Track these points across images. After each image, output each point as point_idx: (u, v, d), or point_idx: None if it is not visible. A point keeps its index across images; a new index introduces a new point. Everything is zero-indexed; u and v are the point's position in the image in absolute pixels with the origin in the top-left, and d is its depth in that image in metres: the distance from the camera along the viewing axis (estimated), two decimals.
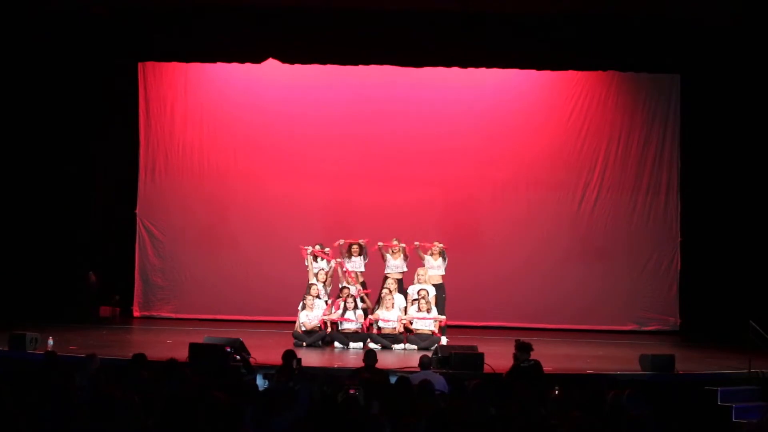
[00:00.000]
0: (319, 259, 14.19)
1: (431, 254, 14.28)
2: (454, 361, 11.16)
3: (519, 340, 10.52)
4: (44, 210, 16.04)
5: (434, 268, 14.21)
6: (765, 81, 15.25)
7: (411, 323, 13.62)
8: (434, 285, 14.08)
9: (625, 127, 16.85)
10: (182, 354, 11.21)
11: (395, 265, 14.26)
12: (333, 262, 14.13)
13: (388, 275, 14.23)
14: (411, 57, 15.45)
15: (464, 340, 12.95)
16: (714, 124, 15.94)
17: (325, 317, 13.62)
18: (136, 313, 16.77)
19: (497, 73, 16.25)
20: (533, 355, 10.39)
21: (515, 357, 10.32)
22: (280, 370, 10.50)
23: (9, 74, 15.60)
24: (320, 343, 13.53)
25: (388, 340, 13.56)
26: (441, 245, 14.33)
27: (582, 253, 16.66)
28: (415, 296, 13.83)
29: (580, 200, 16.82)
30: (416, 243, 14.36)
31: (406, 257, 14.29)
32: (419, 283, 14.02)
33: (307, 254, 14.12)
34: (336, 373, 10.42)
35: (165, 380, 9.03)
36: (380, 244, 14.30)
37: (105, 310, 16.33)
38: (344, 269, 14.12)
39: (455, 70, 15.83)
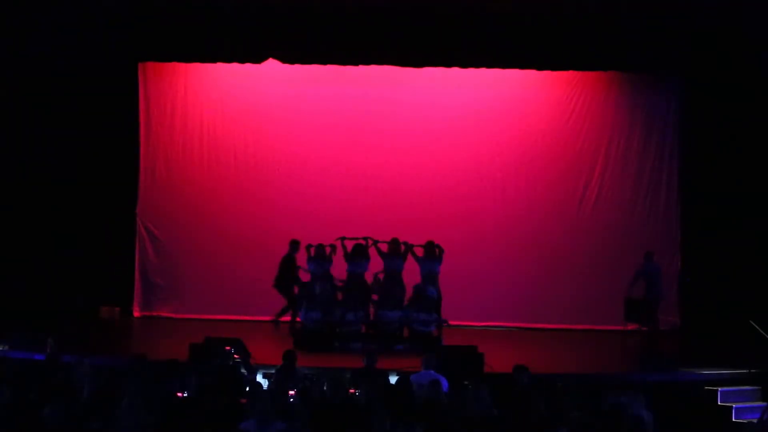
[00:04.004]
0: (320, 260, 14.18)
1: (426, 254, 14.26)
2: (454, 361, 11.15)
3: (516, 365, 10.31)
4: (44, 210, 16.04)
5: (429, 267, 14.19)
6: (765, 81, 15.24)
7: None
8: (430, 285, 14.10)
9: (625, 127, 16.84)
10: (182, 354, 11.24)
11: (391, 264, 14.25)
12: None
13: (387, 275, 14.24)
14: (411, 57, 15.43)
15: (464, 340, 12.94)
16: (714, 124, 15.94)
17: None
18: (136, 313, 16.76)
19: (497, 73, 16.25)
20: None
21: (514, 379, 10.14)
22: (280, 369, 10.53)
23: (9, 74, 15.60)
24: (320, 343, 13.52)
25: (389, 340, 13.56)
26: (437, 246, 14.31)
27: (582, 253, 16.63)
28: (415, 296, 13.85)
29: (580, 200, 16.82)
30: (411, 246, 14.34)
31: (404, 257, 14.27)
32: (418, 283, 14.02)
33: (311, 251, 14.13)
34: (336, 373, 10.41)
35: (165, 380, 9.06)
36: (372, 239, 14.31)
37: (105, 310, 16.32)
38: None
39: (455, 70, 15.83)
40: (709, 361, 12.59)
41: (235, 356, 11.07)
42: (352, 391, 9.36)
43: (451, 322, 14.31)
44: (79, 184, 16.23)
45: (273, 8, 14.96)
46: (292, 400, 8.93)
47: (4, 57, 15.43)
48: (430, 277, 14.07)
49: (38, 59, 15.58)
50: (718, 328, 14.86)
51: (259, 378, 10.67)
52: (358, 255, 14.11)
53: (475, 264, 16.38)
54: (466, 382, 9.38)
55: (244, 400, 8.69)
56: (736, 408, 11.33)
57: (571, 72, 16.45)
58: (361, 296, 13.96)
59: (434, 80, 16.56)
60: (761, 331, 12.58)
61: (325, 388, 9.21)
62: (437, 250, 14.17)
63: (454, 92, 16.75)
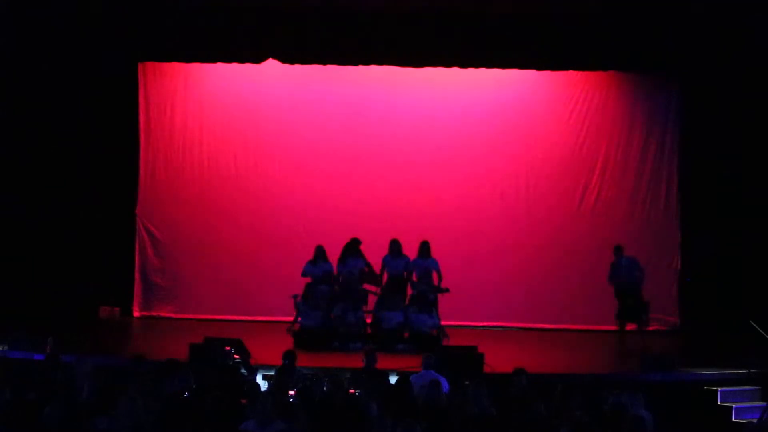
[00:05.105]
0: (321, 261, 14.18)
1: (420, 254, 14.23)
2: (453, 361, 11.15)
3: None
4: (44, 210, 16.03)
5: (425, 267, 14.20)
6: (765, 80, 15.24)
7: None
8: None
9: (625, 127, 16.83)
10: (182, 354, 11.24)
11: (395, 265, 14.25)
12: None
13: (389, 276, 14.24)
14: (411, 57, 15.43)
15: (464, 340, 12.94)
16: (714, 124, 15.93)
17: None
18: (136, 313, 16.76)
19: (497, 74, 16.25)
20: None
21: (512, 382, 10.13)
22: (280, 369, 10.53)
23: (9, 74, 15.60)
24: (320, 343, 13.52)
25: (389, 340, 13.55)
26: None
27: (582, 253, 16.62)
28: (415, 297, 13.86)
29: (579, 200, 16.81)
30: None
31: (403, 258, 14.27)
32: (415, 283, 14.03)
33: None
34: (336, 373, 10.41)
35: (165, 380, 9.06)
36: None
37: (105, 310, 16.31)
38: None
39: (455, 70, 15.83)
40: (709, 361, 12.59)
41: (235, 356, 11.07)
42: (352, 391, 9.35)
43: (452, 323, 14.31)
44: (79, 184, 16.23)
45: (273, 8, 14.96)
46: (292, 400, 8.92)
47: (3, 56, 15.43)
48: (426, 276, 14.08)
49: (38, 59, 15.57)
50: (718, 328, 14.86)
51: (259, 380, 10.68)
52: (353, 255, 14.13)
53: (474, 264, 16.38)
54: (466, 382, 9.37)
55: (244, 400, 8.69)
56: (736, 408, 11.33)
57: (571, 72, 16.45)
58: (360, 296, 13.98)
59: (434, 80, 16.55)
60: (761, 331, 12.57)
61: (325, 388, 9.20)
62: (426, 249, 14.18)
63: (454, 92, 16.74)
